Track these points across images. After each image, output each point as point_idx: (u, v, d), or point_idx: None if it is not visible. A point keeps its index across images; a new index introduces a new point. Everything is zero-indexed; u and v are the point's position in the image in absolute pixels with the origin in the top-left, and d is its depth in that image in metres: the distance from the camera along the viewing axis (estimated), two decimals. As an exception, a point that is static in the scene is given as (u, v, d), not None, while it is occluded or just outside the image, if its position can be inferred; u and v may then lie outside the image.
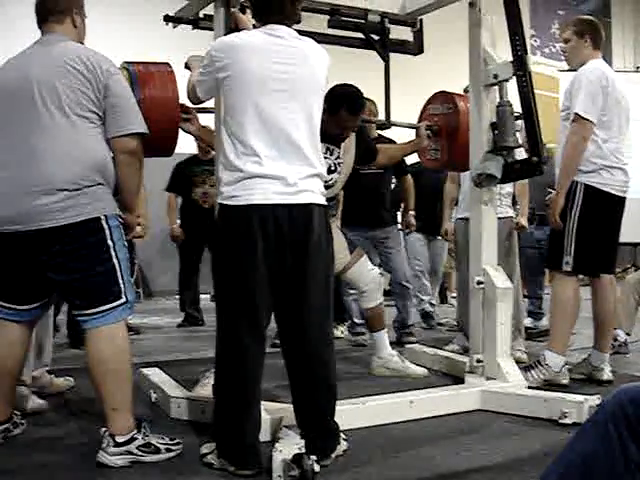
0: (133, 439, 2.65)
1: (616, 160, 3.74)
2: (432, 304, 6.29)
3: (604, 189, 3.72)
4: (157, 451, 2.68)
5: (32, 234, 2.58)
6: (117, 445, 2.61)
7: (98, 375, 2.64)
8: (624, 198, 3.82)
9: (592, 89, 3.64)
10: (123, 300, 2.67)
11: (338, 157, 3.80)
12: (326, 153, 3.66)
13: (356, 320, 5.28)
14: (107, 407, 2.64)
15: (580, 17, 4.18)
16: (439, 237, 5.78)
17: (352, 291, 5.16)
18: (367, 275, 4.10)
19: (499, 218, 4.50)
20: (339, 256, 3.89)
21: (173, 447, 2.74)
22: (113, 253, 2.65)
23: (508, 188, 4.67)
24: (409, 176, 5.49)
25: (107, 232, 2.64)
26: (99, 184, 2.65)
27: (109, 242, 2.64)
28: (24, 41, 2.83)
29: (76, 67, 2.60)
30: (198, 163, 6.05)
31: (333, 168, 3.75)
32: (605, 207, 3.75)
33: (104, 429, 2.64)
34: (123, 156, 2.69)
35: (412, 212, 5.56)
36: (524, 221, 4.73)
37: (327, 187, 2.82)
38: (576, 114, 3.63)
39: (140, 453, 2.65)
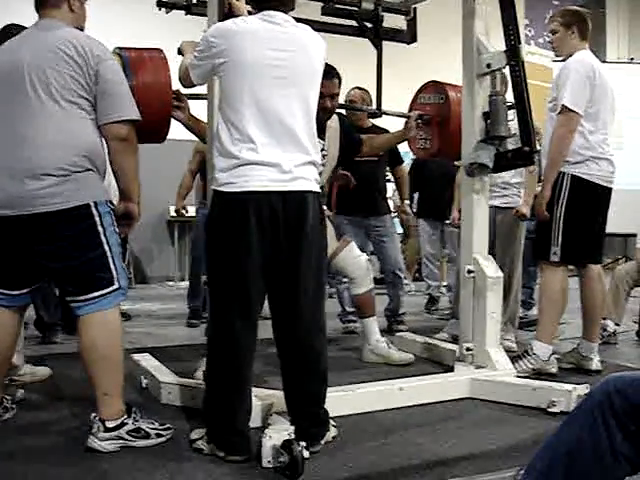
0: (123, 424, 2.65)
1: (602, 151, 3.75)
2: (440, 290, 6.67)
3: (591, 180, 3.73)
4: (147, 436, 2.69)
5: (23, 219, 2.57)
6: (107, 430, 2.62)
7: (90, 360, 2.64)
8: (610, 188, 3.83)
9: (579, 81, 3.64)
10: (116, 286, 2.66)
11: (322, 149, 3.79)
12: None
13: (347, 308, 5.29)
14: (98, 392, 2.64)
15: (567, 8, 4.16)
16: (447, 222, 5.83)
17: (345, 279, 5.18)
18: (355, 262, 4.12)
19: (508, 207, 4.56)
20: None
21: (163, 432, 2.75)
22: (104, 239, 2.64)
23: (518, 178, 4.62)
24: (403, 165, 5.52)
25: (97, 218, 2.62)
26: (88, 170, 2.63)
27: (99, 228, 2.63)
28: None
29: (67, 52, 2.58)
30: None
31: None
32: (592, 198, 3.76)
33: (94, 414, 2.65)
34: (115, 143, 2.66)
35: (407, 201, 5.64)
36: (524, 209, 4.57)
37: None
38: (563, 106, 3.63)
39: (130, 438, 2.65)
